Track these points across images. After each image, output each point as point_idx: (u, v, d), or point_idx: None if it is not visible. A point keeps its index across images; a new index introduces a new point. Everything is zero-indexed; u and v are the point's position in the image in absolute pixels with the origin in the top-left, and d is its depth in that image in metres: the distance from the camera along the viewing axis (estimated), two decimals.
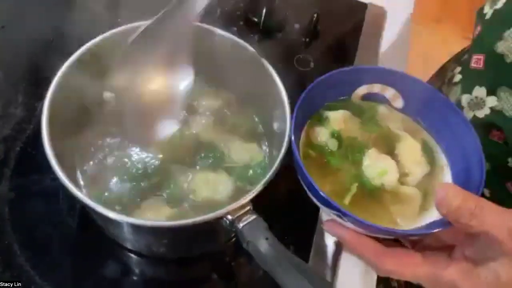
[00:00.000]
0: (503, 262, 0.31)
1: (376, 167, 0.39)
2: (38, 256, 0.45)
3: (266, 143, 0.50)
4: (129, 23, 0.48)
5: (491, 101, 0.45)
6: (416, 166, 0.39)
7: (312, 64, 0.64)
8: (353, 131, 0.41)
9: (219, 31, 0.48)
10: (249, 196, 0.38)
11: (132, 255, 0.47)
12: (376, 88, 0.43)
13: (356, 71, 0.44)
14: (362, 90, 0.43)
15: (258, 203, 0.39)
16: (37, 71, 0.58)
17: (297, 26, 0.67)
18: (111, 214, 0.36)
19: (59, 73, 0.43)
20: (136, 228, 0.39)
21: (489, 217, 0.30)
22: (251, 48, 0.47)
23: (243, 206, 0.37)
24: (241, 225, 0.36)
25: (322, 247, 0.49)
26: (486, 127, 0.45)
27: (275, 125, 0.47)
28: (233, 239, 0.47)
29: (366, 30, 0.68)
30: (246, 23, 0.66)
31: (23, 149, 0.51)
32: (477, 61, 0.47)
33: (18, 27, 0.63)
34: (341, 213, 0.34)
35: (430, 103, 0.41)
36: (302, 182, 0.38)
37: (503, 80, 0.43)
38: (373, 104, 0.43)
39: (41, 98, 0.54)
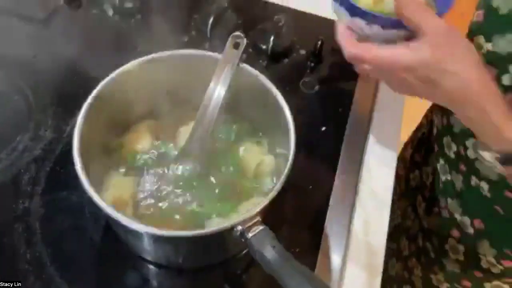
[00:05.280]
0: (425, 39, 0.43)
1: None
2: (66, 266, 0.49)
3: (273, 161, 0.54)
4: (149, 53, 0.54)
5: (488, 46, 0.52)
6: None
7: (317, 87, 0.68)
8: None
9: None
10: (257, 208, 0.41)
11: (151, 266, 0.51)
12: None
13: None
14: None
15: (267, 215, 0.43)
16: (65, 97, 0.63)
17: (302, 51, 0.72)
18: (133, 225, 0.40)
19: (88, 100, 0.48)
20: (153, 238, 0.43)
21: (428, 18, 0.43)
22: (261, 76, 0.52)
23: (252, 218, 0.41)
24: (250, 235, 0.40)
25: (328, 257, 0.52)
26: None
27: (281, 144, 0.51)
28: (246, 250, 0.51)
29: None
30: (255, 50, 0.71)
31: (52, 168, 0.56)
32: (478, 15, 0.54)
33: (48, 56, 0.69)
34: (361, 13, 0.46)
35: None
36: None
37: (496, 29, 0.51)
38: None
39: (69, 121, 0.61)
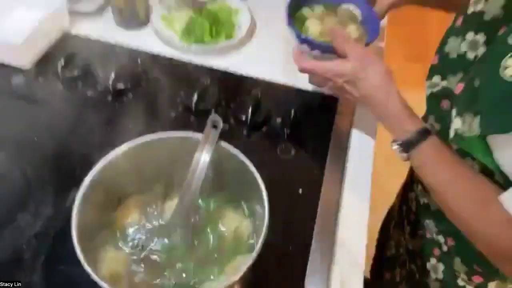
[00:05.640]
0: (349, 58, 0.65)
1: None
2: None
3: (251, 224, 0.60)
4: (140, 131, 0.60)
5: (443, 83, 0.64)
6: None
7: (293, 152, 0.75)
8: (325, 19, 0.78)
9: None
10: (236, 276, 0.46)
11: None
12: None
13: None
14: None
15: (248, 279, 0.48)
16: (63, 175, 0.69)
17: (279, 120, 0.79)
18: None
19: (83, 186, 0.54)
20: None
21: (351, 46, 0.66)
22: (237, 151, 0.58)
23: (231, 286, 0.45)
24: None
25: None
26: (438, 99, 0.65)
27: (259, 209, 0.57)
28: None
29: (339, 118, 0.80)
30: (236, 121, 0.78)
31: (52, 243, 0.61)
32: (434, 59, 0.66)
33: (47, 135, 0.75)
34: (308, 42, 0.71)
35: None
36: (293, 34, 0.72)
37: (448, 69, 0.63)
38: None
39: (66, 198, 0.66)
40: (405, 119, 0.61)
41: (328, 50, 0.68)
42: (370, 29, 0.76)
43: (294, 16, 0.77)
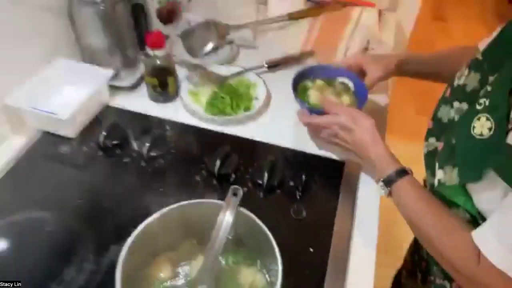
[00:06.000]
0: (341, 114, 0.82)
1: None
2: None
3: (265, 278, 0.68)
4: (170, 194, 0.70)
5: (436, 144, 0.73)
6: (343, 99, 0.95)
7: (304, 213, 0.84)
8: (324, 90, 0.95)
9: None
10: None
11: None
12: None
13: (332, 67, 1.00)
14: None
15: None
16: (103, 234, 0.79)
17: (291, 183, 0.88)
18: None
19: (127, 242, 0.63)
20: None
21: (341, 107, 0.84)
22: (254, 217, 0.67)
23: None
24: None
25: None
26: (433, 156, 0.72)
27: (273, 265, 0.65)
28: None
29: (345, 181, 0.89)
30: (253, 184, 0.88)
31: None
32: (429, 124, 0.77)
33: (90, 201, 0.86)
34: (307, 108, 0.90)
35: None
36: (296, 101, 0.92)
37: (442, 132, 0.72)
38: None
39: (105, 255, 0.76)
40: (387, 161, 0.75)
41: (322, 113, 0.85)
42: (360, 98, 0.93)
43: (299, 86, 0.96)
